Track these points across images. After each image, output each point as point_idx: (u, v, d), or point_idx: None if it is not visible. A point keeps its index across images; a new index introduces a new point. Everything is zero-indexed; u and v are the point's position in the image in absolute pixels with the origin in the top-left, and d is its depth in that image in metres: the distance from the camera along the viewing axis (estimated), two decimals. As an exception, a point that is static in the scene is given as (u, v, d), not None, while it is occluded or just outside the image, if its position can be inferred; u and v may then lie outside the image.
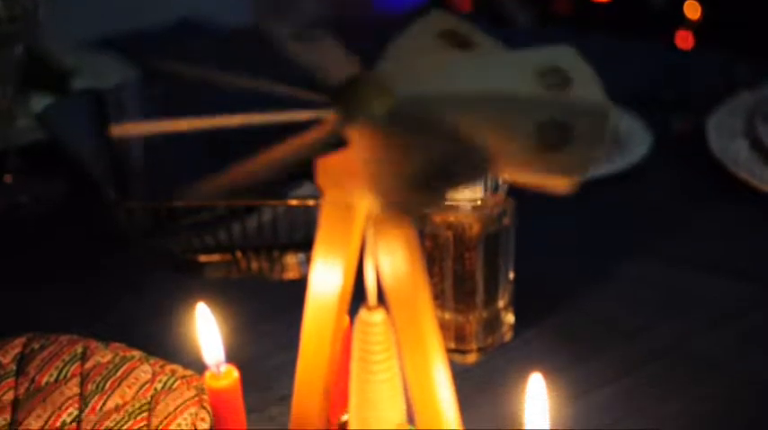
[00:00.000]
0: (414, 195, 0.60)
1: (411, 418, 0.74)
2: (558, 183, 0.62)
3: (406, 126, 0.62)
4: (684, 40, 1.79)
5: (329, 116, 0.64)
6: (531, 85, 0.65)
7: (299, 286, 0.76)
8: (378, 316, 0.72)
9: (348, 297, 0.74)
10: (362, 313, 0.72)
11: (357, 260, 0.72)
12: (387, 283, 0.69)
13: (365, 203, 0.68)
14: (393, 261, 0.68)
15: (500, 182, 0.94)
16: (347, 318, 0.77)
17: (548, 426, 0.68)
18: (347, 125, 0.63)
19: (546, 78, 0.66)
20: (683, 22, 1.83)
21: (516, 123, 0.62)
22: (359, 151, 0.63)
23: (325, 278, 0.73)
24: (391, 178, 0.61)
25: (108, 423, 0.88)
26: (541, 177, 0.62)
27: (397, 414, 0.75)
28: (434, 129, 0.62)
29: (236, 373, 0.77)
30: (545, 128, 0.61)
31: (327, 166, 0.69)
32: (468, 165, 0.61)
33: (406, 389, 0.73)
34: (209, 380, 0.77)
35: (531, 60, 0.67)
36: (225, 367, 0.77)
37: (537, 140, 0.61)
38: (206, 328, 0.76)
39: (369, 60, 0.66)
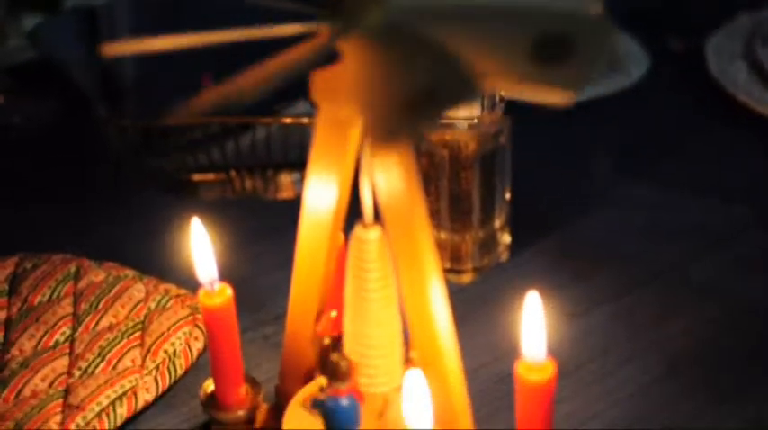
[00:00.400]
0: (401, 118, 0.59)
1: (406, 335, 0.74)
2: (555, 98, 0.61)
3: (398, 40, 0.61)
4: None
5: (323, 29, 0.62)
6: None
7: (294, 206, 0.75)
8: (373, 233, 0.71)
9: (343, 214, 0.73)
10: (358, 230, 0.72)
11: (352, 177, 0.72)
12: (382, 200, 0.68)
13: (361, 119, 0.67)
14: (389, 178, 0.67)
15: (497, 100, 0.93)
16: (342, 236, 0.76)
17: (544, 345, 0.68)
18: (341, 38, 0.62)
19: None
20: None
21: (514, 35, 0.61)
22: (351, 66, 0.62)
23: (320, 195, 0.72)
24: (380, 99, 0.60)
25: (101, 342, 0.88)
26: (538, 91, 0.61)
27: (392, 332, 0.74)
28: (426, 45, 0.61)
29: (229, 291, 0.76)
30: (544, 40, 0.60)
31: (322, 81, 0.68)
32: (455, 89, 0.60)
33: (401, 307, 0.72)
34: (202, 298, 0.76)
35: None
36: (218, 285, 0.76)
37: (535, 53, 0.60)
38: (200, 245, 0.76)
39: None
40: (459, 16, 0.62)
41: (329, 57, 0.64)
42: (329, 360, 0.72)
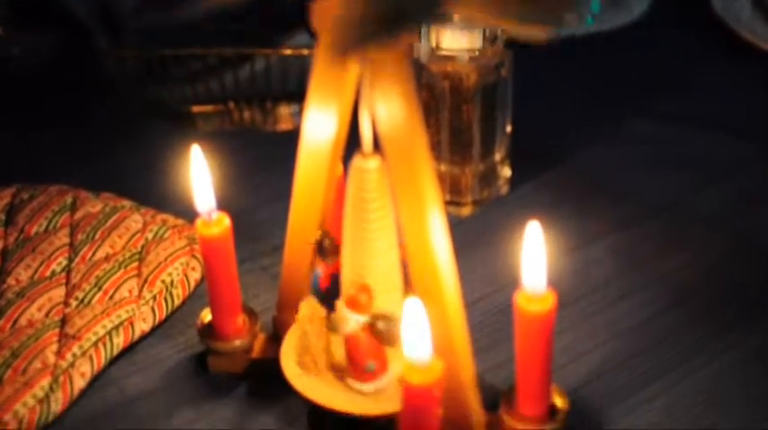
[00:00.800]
0: (365, 33, 0.58)
1: (404, 266, 0.73)
2: (533, 33, 0.60)
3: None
4: None
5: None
6: None
7: (293, 137, 0.75)
8: (373, 162, 0.71)
9: (342, 144, 0.73)
10: (357, 160, 0.71)
11: (351, 106, 0.71)
12: (383, 131, 0.67)
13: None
14: (389, 108, 0.66)
15: (498, 32, 0.92)
16: (341, 166, 0.75)
17: (544, 275, 0.68)
18: None
19: None
20: None
21: None
22: None
23: (319, 125, 0.71)
24: (351, 14, 0.59)
25: (98, 272, 0.87)
26: (517, 26, 0.60)
27: (390, 262, 0.74)
28: None
29: (227, 221, 0.76)
30: None
31: (322, 10, 0.67)
32: (421, 9, 0.59)
33: (400, 238, 0.72)
34: (200, 227, 0.76)
35: None
36: (216, 215, 0.76)
37: None
38: (199, 174, 0.75)
39: None
40: None
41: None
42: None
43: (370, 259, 0.73)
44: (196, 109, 1.09)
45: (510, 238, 0.87)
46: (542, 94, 1.13)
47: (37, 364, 0.78)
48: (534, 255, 0.68)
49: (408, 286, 0.74)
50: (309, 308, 0.74)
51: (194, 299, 0.88)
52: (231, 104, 1.09)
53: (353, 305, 0.73)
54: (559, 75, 1.17)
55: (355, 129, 0.71)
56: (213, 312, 0.79)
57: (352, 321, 0.73)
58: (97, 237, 0.91)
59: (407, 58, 0.66)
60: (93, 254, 0.89)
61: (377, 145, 0.69)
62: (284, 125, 1.09)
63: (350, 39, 0.59)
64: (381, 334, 0.73)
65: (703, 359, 0.82)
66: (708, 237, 0.95)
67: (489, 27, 0.90)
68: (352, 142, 0.72)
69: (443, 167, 0.96)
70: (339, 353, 0.75)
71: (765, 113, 1.12)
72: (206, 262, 0.77)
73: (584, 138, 1.08)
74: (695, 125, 1.10)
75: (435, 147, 0.95)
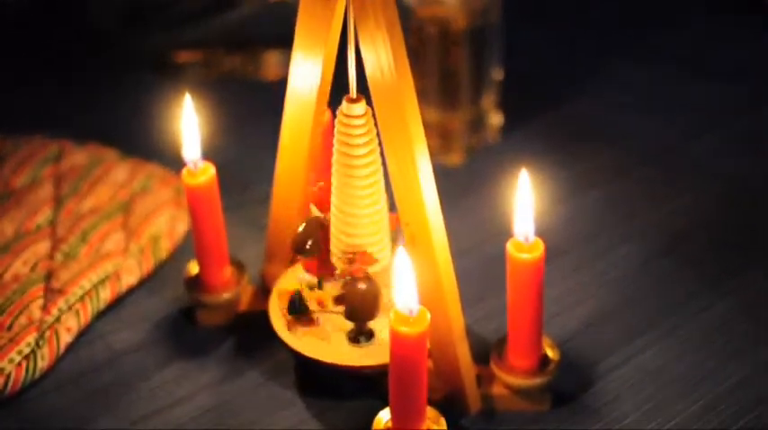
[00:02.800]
0: None
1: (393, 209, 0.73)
2: None
3: None
4: None
5: None
6: None
7: (280, 88, 0.73)
8: (359, 107, 0.69)
9: (327, 89, 0.72)
10: (344, 105, 0.70)
11: (336, 50, 0.70)
12: (370, 75, 0.66)
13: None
14: (375, 50, 0.65)
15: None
16: (329, 113, 0.74)
17: (533, 223, 0.67)
18: None
19: None
20: None
21: None
22: None
23: (305, 70, 0.70)
24: None
25: (83, 225, 0.86)
26: None
27: (379, 210, 0.73)
28: None
29: (212, 170, 0.75)
30: None
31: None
32: None
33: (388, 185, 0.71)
34: (185, 176, 0.75)
35: None
36: (202, 163, 0.75)
37: None
38: (186, 122, 0.74)
39: None
40: None
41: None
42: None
43: (358, 208, 0.72)
44: (182, 57, 1.08)
45: (500, 187, 0.86)
46: (533, 40, 1.11)
47: (22, 320, 0.78)
48: (525, 202, 0.67)
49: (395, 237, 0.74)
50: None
51: (181, 251, 0.87)
52: (217, 51, 1.07)
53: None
54: (551, 19, 1.16)
55: (342, 74, 0.69)
56: (200, 264, 0.78)
57: None
58: (83, 188, 0.90)
59: (393, 1, 0.64)
60: (79, 206, 0.88)
61: (366, 92, 0.68)
62: (271, 73, 1.07)
63: None
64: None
65: (695, 309, 0.81)
66: (700, 184, 0.94)
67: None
68: (341, 88, 0.71)
69: (432, 114, 0.95)
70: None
71: (759, 58, 1.11)
72: (192, 212, 0.76)
73: (576, 84, 1.07)
74: (691, 69, 1.09)
75: (423, 93, 0.93)
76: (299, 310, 0.73)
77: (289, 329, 0.73)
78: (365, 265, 0.72)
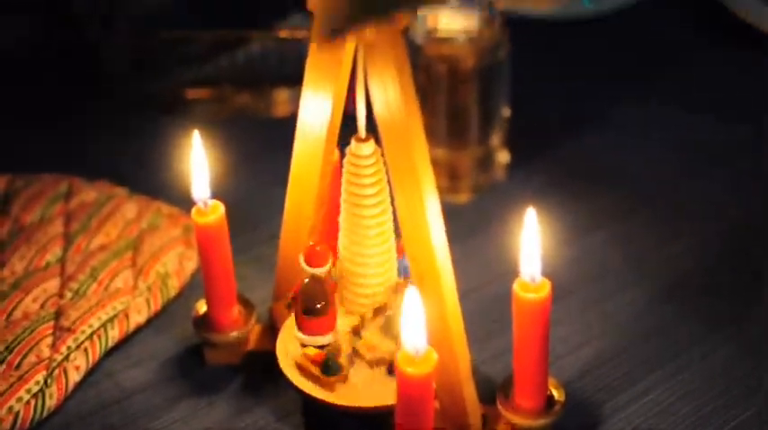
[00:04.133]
0: (351, 12, 0.57)
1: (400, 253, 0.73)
2: (542, 4, 0.59)
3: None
4: None
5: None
6: None
7: (289, 124, 0.74)
8: (368, 147, 0.70)
9: (337, 129, 0.72)
10: (353, 145, 0.70)
11: (346, 90, 0.70)
12: (379, 115, 0.67)
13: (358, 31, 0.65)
14: (385, 90, 0.66)
15: (495, 12, 0.91)
16: (337, 153, 0.75)
17: (540, 263, 0.67)
18: None
19: None
20: None
21: None
22: None
23: (315, 109, 0.71)
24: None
25: (93, 262, 0.86)
26: None
27: (387, 250, 0.73)
28: None
29: (222, 208, 0.75)
30: None
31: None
32: None
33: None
34: (195, 215, 0.75)
35: None
36: (211, 202, 0.75)
37: None
38: (196, 160, 0.75)
39: None
40: None
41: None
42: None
43: (365, 247, 0.72)
44: (191, 95, 1.08)
45: (507, 226, 0.86)
46: (540, 78, 1.12)
47: (31, 358, 0.78)
48: (531, 243, 0.67)
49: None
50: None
51: (190, 289, 0.87)
52: (227, 89, 1.08)
53: None
54: (556, 57, 1.16)
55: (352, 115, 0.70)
56: (208, 303, 0.78)
57: None
58: (92, 226, 0.90)
59: (402, 40, 0.65)
60: (89, 243, 0.89)
61: (374, 130, 0.68)
62: (281, 110, 1.08)
63: (336, 21, 0.58)
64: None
65: (698, 351, 0.82)
66: (704, 224, 0.94)
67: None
68: (350, 127, 0.71)
69: (440, 152, 0.95)
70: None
71: (763, 97, 1.11)
72: (201, 250, 0.76)
73: (582, 122, 1.07)
74: (693, 108, 1.09)
75: (432, 132, 0.93)
76: (333, 372, 0.72)
77: (324, 387, 0.73)
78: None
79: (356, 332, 0.74)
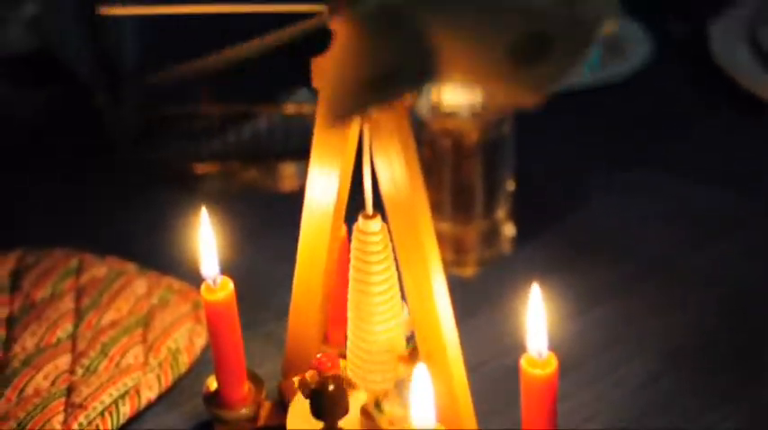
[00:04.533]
0: (357, 97, 0.58)
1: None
2: (525, 98, 0.59)
3: (380, 23, 0.60)
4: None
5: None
6: None
7: (296, 197, 0.75)
8: (375, 224, 0.71)
9: (344, 205, 0.73)
10: (360, 221, 0.71)
11: (352, 166, 0.71)
12: (384, 191, 0.68)
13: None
14: (390, 166, 0.67)
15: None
16: (344, 228, 0.76)
17: (546, 339, 0.68)
18: (333, 17, 0.61)
19: None
20: None
21: (495, 31, 0.59)
22: (335, 46, 0.61)
23: (322, 186, 0.72)
24: (342, 76, 0.59)
25: (104, 338, 0.87)
26: (509, 91, 0.60)
27: (395, 324, 0.74)
28: (401, 29, 0.60)
29: (231, 285, 0.76)
30: (523, 39, 0.59)
31: (323, 67, 0.67)
32: (415, 74, 0.59)
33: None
34: (204, 292, 0.76)
35: None
36: (221, 279, 0.76)
37: (513, 51, 0.59)
38: (204, 238, 0.75)
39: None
40: (446, 6, 0.61)
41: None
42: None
43: (373, 324, 0.73)
44: (198, 168, 1.09)
45: (514, 299, 0.87)
46: (542, 149, 1.13)
47: (43, 435, 0.79)
48: (537, 319, 0.68)
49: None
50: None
51: (200, 365, 0.88)
52: (234, 164, 1.09)
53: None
54: (559, 128, 1.17)
55: (359, 190, 0.71)
56: (219, 379, 0.79)
57: None
58: (102, 302, 0.91)
59: (407, 117, 0.66)
60: (99, 319, 0.89)
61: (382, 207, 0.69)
62: (288, 185, 1.09)
63: (343, 104, 0.59)
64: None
65: (704, 425, 0.82)
66: (707, 297, 0.94)
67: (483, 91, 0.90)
68: (358, 203, 0.72)
69: (446, 226, 0.96)
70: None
71: (766, 163, 1.12)
72: (210, 327, 0.77)
73: (586, 192, 1.08)
74: (696, 178, 1.10)
75: (437, 206, 0.95)
76: None
77: None
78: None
79: (377, 405, 0.74)
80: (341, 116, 0.59)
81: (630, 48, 1.30)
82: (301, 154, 1.04)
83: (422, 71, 0.59)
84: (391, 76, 0.58)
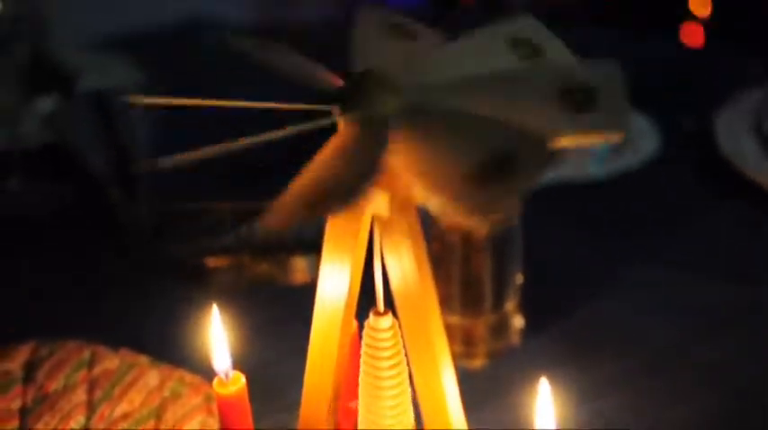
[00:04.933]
0: (473, 192, 0.58)
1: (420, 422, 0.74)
2: (604, 139, 0.61)
3: (429, 118, 0.62)
4: (693, 35, 1.78)
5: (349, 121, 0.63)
6: (504, 59, 0.65)
7: (308, 291, 0.75)
8: (386, 321, 0.71)
9: (355, 300, 0.73)
10: (371, 318, 0.72)
11: (363, 263, 0.72)
12: (394, 287, 0.68)
13: (373, 204, 0.67)
14: (400, 263, 0.68)
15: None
16: (355, 324, 0.76)
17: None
18: (358, 126, 0.62)
19: (518, 50, 0.66)
20: (690, 17, 1.82)
21: (539, 90, 0.61)
22: (393, 156, 0.62)
23: (333, 282, 0.72)
24: (443, 178, 0.59)
25: (116, 430, 0.88)
26: (586, 137, 0.61)
27: (406, 421, 0.74)
28: (463, 116, 0.61)
29: (243, 380, 0.76)
30: (568, 92, 0.61)
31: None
32: (530, 153, 0.60)
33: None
34: (216, 386, 0.76)
35: (499, 35, 0.67)
36: (233, 373, 0.76)
37: (563, 104, 0.61)
38: (215, 333, 0.76)
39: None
40: (477, 87, 0.63)
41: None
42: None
43: (384, 419, 0.73)
44: (211, 262, 1.10)
45: (522, 392, 0.87)
46: (550, 242, 1.14)
47: None
48: (545, 414, 0.68)
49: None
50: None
51: (211, 458, 0.88)
52: (246, 258, 1.10)
53: None
54: (567, 220, 1.18)
55: (370, 286, 0.72)
56: (230, 474, 0.79)
57: None
58: (115, 394, 0.91)
59: (416, 212, 0.67)
60: (112, 411, 0.90)
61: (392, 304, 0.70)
62: (299, 278, 1.09)
63: (466, 199, 0.59)
64: None
65: None
66: (712, 389, 0.95)
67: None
68: (369, 299, 0.73)
69: (455, 319, 0.96)
70: None
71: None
72: (222, 421, 0.77)
73: (593, 285, 1.09)
74: (702, 269, 1.11)
75: (446, 299, 0.95)
76: None
77: None
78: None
79: None
80: (474, 211, 0.59)
81: (638, 141, 1.31)
82: (312, 247, 1.05)
83: (534, 147, 0.60)
84: (502, 160, 0.59)
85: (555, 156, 0.60)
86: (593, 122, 0.61)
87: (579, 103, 0.62)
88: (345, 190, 0.59)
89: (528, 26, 0.69)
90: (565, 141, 0.60)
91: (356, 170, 0.60)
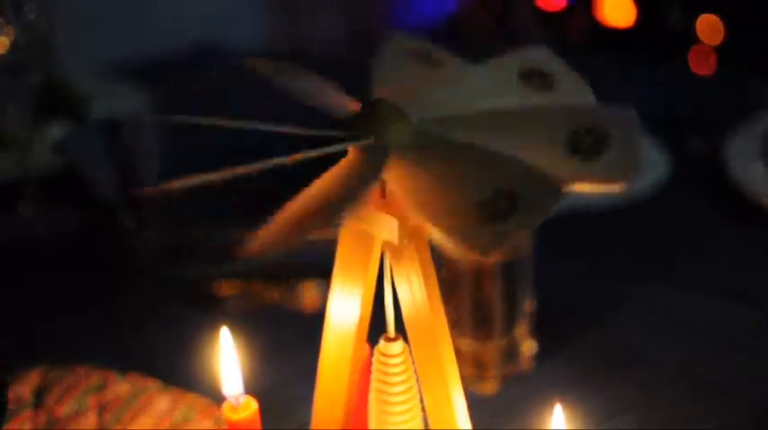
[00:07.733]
0: (478, 228, 0.58)
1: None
2: (609, 189, 0.61)
3: (440, 149, 0.62)
4: (704, 61, 1.78)
5: (355, 148, 0.64)
6: (518, 91, 0.66)
7: (318, 315, 0.76)
8: (396, 346, 0.71)
9: (366, 326, 0.73)
10: (381, 344, 0.72)
11: (374, 288, 0.72)
12: (404, 312, 0.69)
13: (383, 231, 0.68)
14: (410, 289, 0.68)
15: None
16: (367, 348, 0.76)
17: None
18: (380, 164, 0.62)
19: (532, 81, 0.67)
20: (700, 43, 1.82)
21: (548, 132, 0.61)
22: (399, 186, 0.62)
23: (343, 307, 0.72)
24: (446, 208, 0.60)
25: (126, 455, 0.88)
26: (590, 186, 0.61)
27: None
28: (463, 155, 0.61)
29: (254, 405, 0.76)
30: (578, 135, 0.61)
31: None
32: (536, 189, 0.60)
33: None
34: (227, 411, 0.76)
35: (513, 66, 0.68)
36: (243, 398, 0.76)
37: (572, 148, 0.61)
38: (226, 357, 0.76)
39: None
40: (487, 122, 0.63)
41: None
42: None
43: (395, 443, 0.73)
44: (222, 288, 1.10)
45: (534, 416, 0.87)
46: (561, 265, 1.14)
47: None
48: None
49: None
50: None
51: (222, 482, 0.88)
52: (256, 283, 1.10)
53: None
54: (578, 244, 1.18)
55: (380, 312, 0.72)
56: (241, 498, 0.79)
57: None
58: (125, 418, 0.91)
59: (426, 239, 0.67)
60: (122, 436, 0.90)
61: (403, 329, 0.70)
62: (310, 304, 1.10)
63: (474, 233, 0.59)
64: None
65: None
66: (726, 411, 0.95)
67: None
68: (380, 325, 0.73)
69: (466, 343, 0.96)
70: None
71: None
72: (233, 447, 0.77)
73: (603, 310, 1.09)
74: (712, 293, 1.11)
75: (457, 324, 0.95)
76: None
77: None
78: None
79: None
80: (479, 248, 0.58)
81: (648, 166, 1.32)
82: (323, 274, 1.05)
83: (540, 182, 0.60)
84: (508, 195, 0.59)
85: (560, 198, 0.60)
86: (598, 171, 0.61)
87: (589, 147, 0.62)
88: (323, 213, 0.60)
89: (542, 56, 0.70)
90: (568, 185, 0.61)
91: (339, 194, 0.61)
